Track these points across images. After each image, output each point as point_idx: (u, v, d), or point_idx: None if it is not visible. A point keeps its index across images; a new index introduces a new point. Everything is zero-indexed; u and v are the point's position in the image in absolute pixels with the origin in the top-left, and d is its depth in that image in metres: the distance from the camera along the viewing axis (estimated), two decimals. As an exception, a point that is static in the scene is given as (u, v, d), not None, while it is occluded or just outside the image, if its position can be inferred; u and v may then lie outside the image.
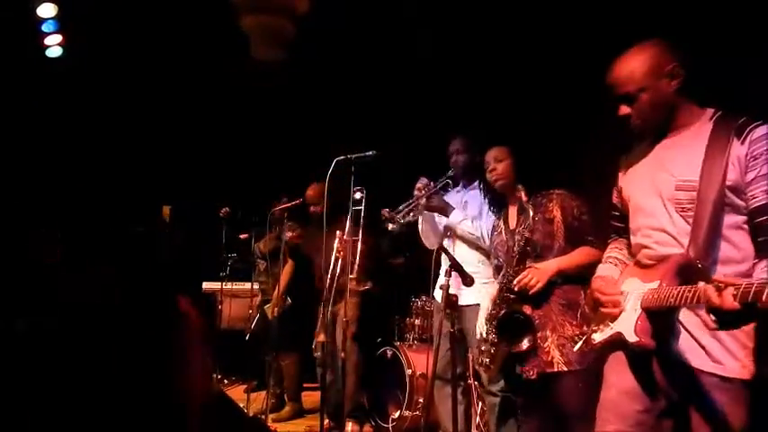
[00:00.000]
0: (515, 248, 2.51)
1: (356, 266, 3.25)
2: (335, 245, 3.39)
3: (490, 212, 2.89)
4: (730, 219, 1.63)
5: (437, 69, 4.47)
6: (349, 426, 3.83)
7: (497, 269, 2.66)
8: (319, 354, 3.74)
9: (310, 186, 4.12)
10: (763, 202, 1.58)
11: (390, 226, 3.06)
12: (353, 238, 3.29)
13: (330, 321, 3.69)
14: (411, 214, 3.11)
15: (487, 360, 2.52)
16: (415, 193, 3.10)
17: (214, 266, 5.24)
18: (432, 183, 3.14)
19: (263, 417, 3.90)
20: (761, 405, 1.64)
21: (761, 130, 1.60)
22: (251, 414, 3.96)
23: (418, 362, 3.79)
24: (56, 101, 4.85)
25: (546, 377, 2.37)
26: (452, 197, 3.20)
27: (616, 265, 1.92)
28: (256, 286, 4.87)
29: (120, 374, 0.79)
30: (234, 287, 5.35)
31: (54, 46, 4.82)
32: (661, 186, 1.73)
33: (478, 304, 2.80)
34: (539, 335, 2.39)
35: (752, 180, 1.59)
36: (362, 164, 3.15)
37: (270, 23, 4.72)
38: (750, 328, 1.62)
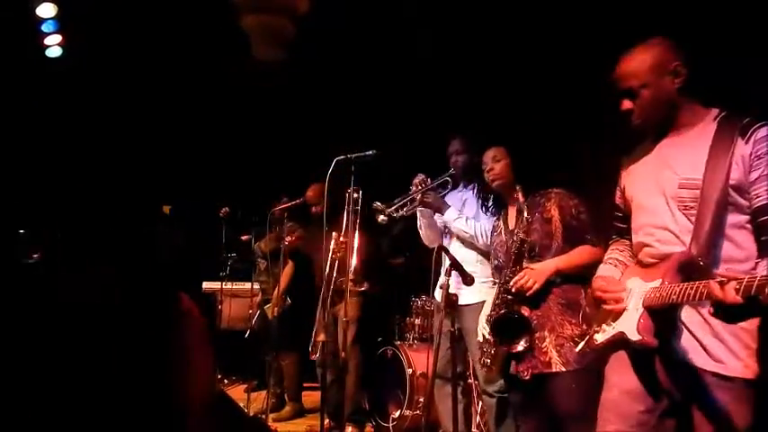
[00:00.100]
0: (513, 249, 2.51)
1: (352, 267, 3.24)
2: (332, 246, 3.39)
3: (488, 213, 2.89)
4: (733, 218, 1.64)
5: (437, 69, 4.47)
6: (348, 429, 3.82)
7: (498, 269, 2.66)
8: (317, 356, 3.73)
9: (310, 187, 4.11)
10: (766, 202, 1.59)
11: (380, 218, 3.06)
12: (347, 239, 3.29)
13: (331, 322, 3.70)
14: (404, 209, 3.11)
15: (488, 361, 2.51)
16: (412, 188, 3.11)
17: (214, 266, 5.24)
18: (428, 180, 3.15)
19: (264, 416, 3.90)
20: (766, 405, 1.64)
21: (765, 130, 1.61)
22: (251, 414, 3.96)
23: (418, 361, 3.79)
24: (55, 101, 4.85)
25: (542, 377, 2.36)
26: (453, 197, 3.21)
27: (617, 266, 1.92)
28: (257, 286, 4.87)
29: (119, 375, 0.79)
30: (234, 287, 5.35)
31: (54, 46, 4.81)
32: (664, 184, 1.74)
33: (478, 303, 2.80)
34: (537, 335, 2.38)
35: (755, 179, 1.60)
36: (362, 163, 3.15)
37: (270, 23, 4.72)
38: (754, 328, 1.62)
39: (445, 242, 3.12)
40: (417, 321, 4.26)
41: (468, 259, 2.97)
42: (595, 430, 1.78)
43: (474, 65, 4.26)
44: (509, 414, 2.81)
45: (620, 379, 1.76)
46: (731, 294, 1.34)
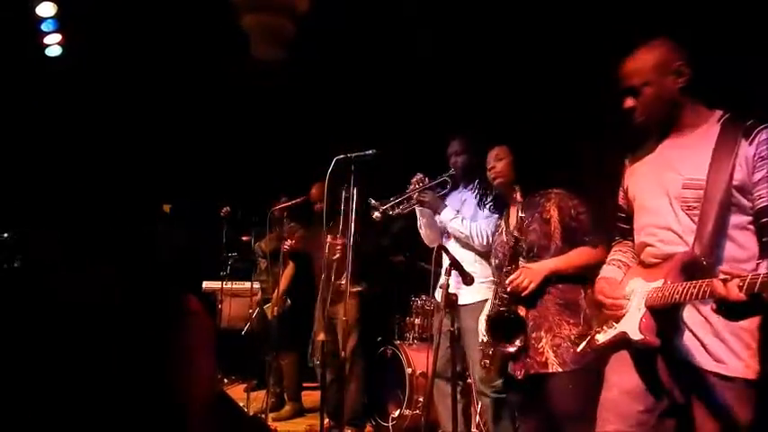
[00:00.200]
0: (507, 248, 2.51)
1: (348, 268, 3.24)
2: (327, 247, 3.38)
3: (484, 209, 2.89)
4: (736, 219, 1.64)
5: (437, 69, 4.47)
6: (348, 431, 3.82)
7: (498, 269, 2.66)
8: (316, 359, 3.72)
9: (315, 185, 4.11)
10: None
11: (375, 214, 3.06)
12: (343, 239, 3.28)
13: (331, 322, 3.70)
14: (401, 207, 3.11)
15: (487, 361, 2.51)
16: (409, 187, 3.11)
17: (214, 266, 5.24)
18: (427, 179, 3.14)
19: (263, 416, 3.90)
20: (766, 405, 1.64)
21: None
22: (251, 413, 3.96)
23: (418, 361, 3.79)
24: (55, 100, 4.84)
25: (538, 377, 2.35)
26: (453, 197, 3.21)
27: (620, 267, 1.92)
28: (257, 285, 4.87)
29: (119, 374, 0.78)
30: (234, 286, 5.35)
31: (53, 45, 4.81)
32: (668, 185, 1.74)
33: (478, 303, 2.80)
34: (533, 335, 2.37)
35: (758, 180, 1.61)
36: (362, 163, 3.15)
37: (270, 22, 4.72)
38: (754, 328, 1.62)
39: (444, 241, 3.12)
40: (417, 321, 4.26)
41: (467, 259, 2.96)
42: (595, 430, 1.78)
43: (474, 64, 4.25)
44: (506, 414, 2.81)
45: (620, 379, 1.76)
46: (734, 291, 1.34)
